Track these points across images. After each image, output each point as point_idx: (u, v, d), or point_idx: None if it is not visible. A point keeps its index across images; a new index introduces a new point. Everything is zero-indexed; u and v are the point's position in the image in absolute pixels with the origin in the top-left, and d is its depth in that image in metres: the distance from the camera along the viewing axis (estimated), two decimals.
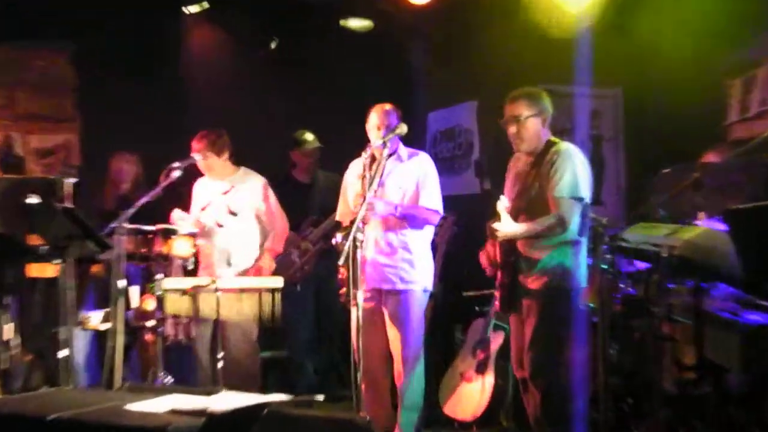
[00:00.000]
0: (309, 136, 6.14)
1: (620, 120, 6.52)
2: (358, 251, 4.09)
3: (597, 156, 6.55)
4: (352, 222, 4.18)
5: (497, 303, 4.30)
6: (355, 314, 4.09)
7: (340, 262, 4.09)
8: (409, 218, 4.67)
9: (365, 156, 4.44)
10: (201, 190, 5.47)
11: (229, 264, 5.30)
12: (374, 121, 4.71)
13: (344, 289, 4.37)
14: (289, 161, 6.21)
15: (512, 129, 4.19)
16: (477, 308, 5.42)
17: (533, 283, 4.17)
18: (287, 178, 6.17)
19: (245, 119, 6.43)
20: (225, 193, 5.37)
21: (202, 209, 5.38)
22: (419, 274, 4.72)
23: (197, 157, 5.25)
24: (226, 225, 5.32)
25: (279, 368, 6.18)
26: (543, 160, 4.16)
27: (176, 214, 5.23)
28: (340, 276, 4.46)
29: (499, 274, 4.24)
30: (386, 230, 4.70)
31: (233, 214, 5.33)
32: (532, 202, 4.13)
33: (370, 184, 4.30)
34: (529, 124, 4.18)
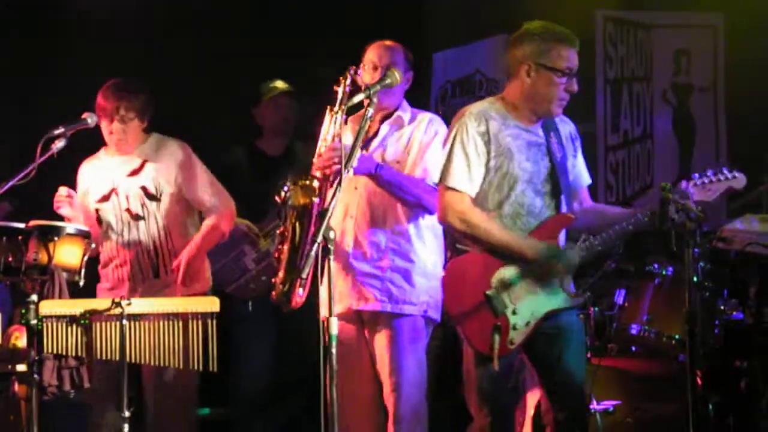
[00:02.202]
0: (279, 83, 6.16)
1: (720, 62, 6.50)
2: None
3: (684, 115, 6.55)
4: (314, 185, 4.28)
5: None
6: (327, 349, 4.02)
7: (303, 274, 4.01)
8: (395, 188, 4.65)
9: (348, 84, 4.49)
10: (93, 174, 5.43)
11: (157, 274, 5.32)
12: (371, 56, 4.77)
13: (281, 277, 4.33)
14: (251, 128, 6.23)
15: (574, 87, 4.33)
16: None
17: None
18: (250, 151, 6.20)
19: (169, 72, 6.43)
20: (134, 173, 5.36)
21: (102, 199, 5.36)
22: (418, 291, 4.71)
23: (115, 124, 5.22)
24: (147, 216, 5.33)
25: None
26: (557, 131, 4.38)
27: (63, 191, 5.22)
28: (275, 253, 4.41)
29: None
30: (372, 223, 4.69)
31: (154, 198, 5.33)
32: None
33: (351, 152, 4.25)
34: None
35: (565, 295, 4.24)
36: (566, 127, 4.43)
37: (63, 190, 5.24)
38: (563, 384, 4.29)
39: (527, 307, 4.21)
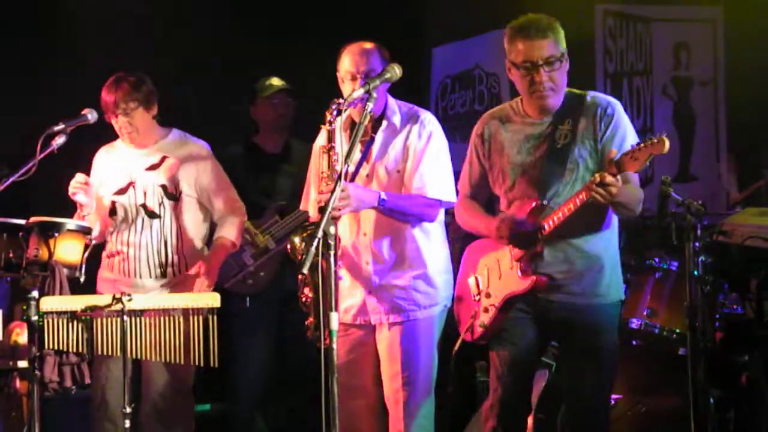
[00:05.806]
0: (275, 80, 6.15)
1: (720, 56, 6.49)
2: (331, 256, 4.00)
3: (684, 108, 6.54)
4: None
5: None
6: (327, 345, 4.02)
7: (304, 269, 4.01)
8: (397, 213, 4.61)
9: (334, 119, 4.37)
10: (110, 164, 5.41)
11: (164, 273, 5.31)
12: (347, 66, 4.63)
13: (312, 320, 4.37)
14: (249, 124, 6.23)
15: (549, 75, 4.27)
16: None
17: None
18: (248, 147, 6.20)
19: (174, 69, 6.43)
20: (153, 167, 5.34)
21: (119, 192, 5.34)
22: (439, 290, 4.71)
23: (120, 117, 5.19)
24: (164, 214, 5.32)
25: (216, 429, 6.18)
26: (578, 116, 4.30)
27: (80, 177, 5.17)
28: (302, 297, 4.43)
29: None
30: (386, 237, 4.66)
31: (173, 197, 5.32)
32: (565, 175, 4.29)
33: (350, 150, 4.21)
34: (564, 69, 4.31)
35: (516, 279, 4.24)
36: (591, 109, 4.32)
37: (80, 177, 5.19)
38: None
39: (494, 289, 4.32)
